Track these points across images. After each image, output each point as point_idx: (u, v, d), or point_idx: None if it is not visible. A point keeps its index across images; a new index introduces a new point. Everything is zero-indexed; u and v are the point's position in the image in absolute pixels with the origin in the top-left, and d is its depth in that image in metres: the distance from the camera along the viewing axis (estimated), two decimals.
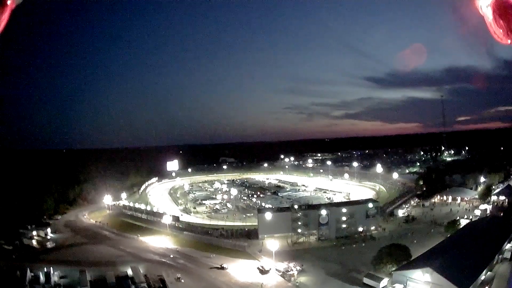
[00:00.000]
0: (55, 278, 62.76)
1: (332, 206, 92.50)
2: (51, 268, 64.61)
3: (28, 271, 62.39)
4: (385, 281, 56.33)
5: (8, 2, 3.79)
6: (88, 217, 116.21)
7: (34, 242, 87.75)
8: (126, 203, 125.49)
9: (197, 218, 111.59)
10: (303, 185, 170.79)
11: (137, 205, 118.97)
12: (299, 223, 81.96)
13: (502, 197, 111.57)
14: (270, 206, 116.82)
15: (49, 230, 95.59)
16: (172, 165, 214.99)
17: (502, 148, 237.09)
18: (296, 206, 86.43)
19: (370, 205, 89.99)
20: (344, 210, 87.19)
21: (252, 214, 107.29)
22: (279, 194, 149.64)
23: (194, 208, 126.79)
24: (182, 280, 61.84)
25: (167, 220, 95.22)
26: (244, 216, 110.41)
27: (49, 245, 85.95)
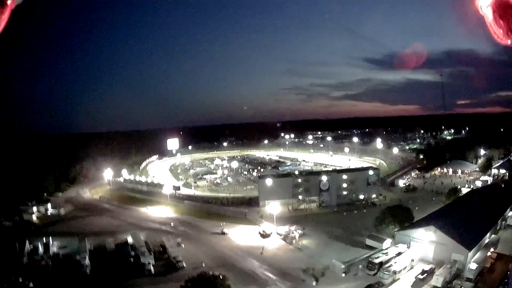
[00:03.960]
0: (54, 248, 62.13)
1: (333, 172, 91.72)
2: (50, 238, 64.02)
3: (27, 243, 61.58)
4: (387, 242, 55.96)
5: (8, 2, 3.68)
6: (89, 193, 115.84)
7: (34, 217, 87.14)
8: (127, 177, 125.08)
9: (197, 192, 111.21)
10: (304, 161, 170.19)
11: (137, 178, 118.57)
12: (300, 189, 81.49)
13: (502, 171, 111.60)
14: None
15: (49, 205, 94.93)
16: (173, 143, 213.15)
17: (502, 130, 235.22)
18: (297, 172, 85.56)
19: (371, 172, 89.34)
20: (344, 176, 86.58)
21: (252, 187, 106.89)
22: (279, 168, 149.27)
23: (195, 182, 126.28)
24: (183, 245, 61.59)
25: (167, 190, 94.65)
26: (244, 188, 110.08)
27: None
